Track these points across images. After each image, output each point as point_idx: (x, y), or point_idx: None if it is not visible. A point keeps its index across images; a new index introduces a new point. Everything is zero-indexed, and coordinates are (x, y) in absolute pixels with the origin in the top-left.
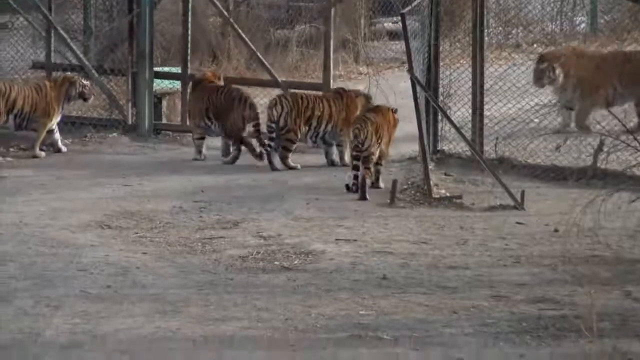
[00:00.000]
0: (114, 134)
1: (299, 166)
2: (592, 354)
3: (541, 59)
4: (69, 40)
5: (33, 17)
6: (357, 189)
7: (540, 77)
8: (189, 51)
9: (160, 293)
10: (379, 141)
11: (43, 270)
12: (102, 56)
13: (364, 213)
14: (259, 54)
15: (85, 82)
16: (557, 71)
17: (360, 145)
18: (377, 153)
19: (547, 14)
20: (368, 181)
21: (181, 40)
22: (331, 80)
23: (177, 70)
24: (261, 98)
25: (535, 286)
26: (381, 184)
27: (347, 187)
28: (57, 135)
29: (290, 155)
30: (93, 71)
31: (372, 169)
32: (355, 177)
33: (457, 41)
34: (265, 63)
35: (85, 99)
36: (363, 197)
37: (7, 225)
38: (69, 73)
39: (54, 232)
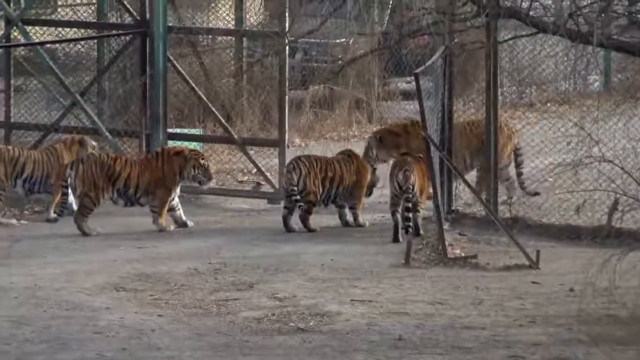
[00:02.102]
0: None
1: (318, 229)
2: None
3: (372, 136)
4: (82, 102)
5: (47, 79)
6: (414, 229)
7: (365, 154)
8: None
9: (176, 355)
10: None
11: (58, 334)
12: (116, 118)
13: (379, 273)
14: (217, 113)
15: (93, 143)
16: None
17: (411, 188)
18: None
19: (561, 72)
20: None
21: None
22: (286, 136)
23: (193, 131)
24: (271, 159)
25: (551, 346)
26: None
27: (406, 230)
28: (71, 198)
29: (310, 217)
30: (107, 133)
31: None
32: (407, 219)
33: (470, 100)
34: (222, 120)
35: None
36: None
37: (21, 288)
38: (77, 135)
39: (69, 294)
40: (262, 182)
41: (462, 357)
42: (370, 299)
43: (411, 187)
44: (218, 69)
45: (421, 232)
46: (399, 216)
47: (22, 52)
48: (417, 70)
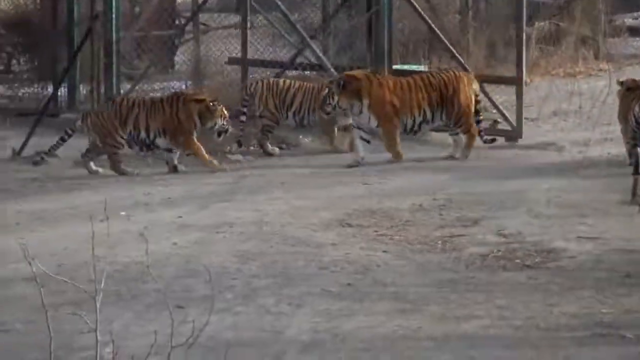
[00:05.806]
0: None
1: None
2: None
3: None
4: (308, 39)
5: (272, 16)
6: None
7: (322, 105)
8: None
9: (401, 291)
10: None
11: (284, 269)
12: (341, 54)
13: (606, 210)
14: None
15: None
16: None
17: None
18: None
19: None
20: None
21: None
22: (524, 75)
23: (416, 67)
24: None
25: None
26: None
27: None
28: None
29: None
30: (332, 70)
31: None
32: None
33: None
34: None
35: None
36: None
37: (249, 223)
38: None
39: (295, 230)
40: (499, 120)
41: None
42: (597, 236)
43: None
44: (444, 5)
45: None
46: (639, 149)
47: None
48: None
